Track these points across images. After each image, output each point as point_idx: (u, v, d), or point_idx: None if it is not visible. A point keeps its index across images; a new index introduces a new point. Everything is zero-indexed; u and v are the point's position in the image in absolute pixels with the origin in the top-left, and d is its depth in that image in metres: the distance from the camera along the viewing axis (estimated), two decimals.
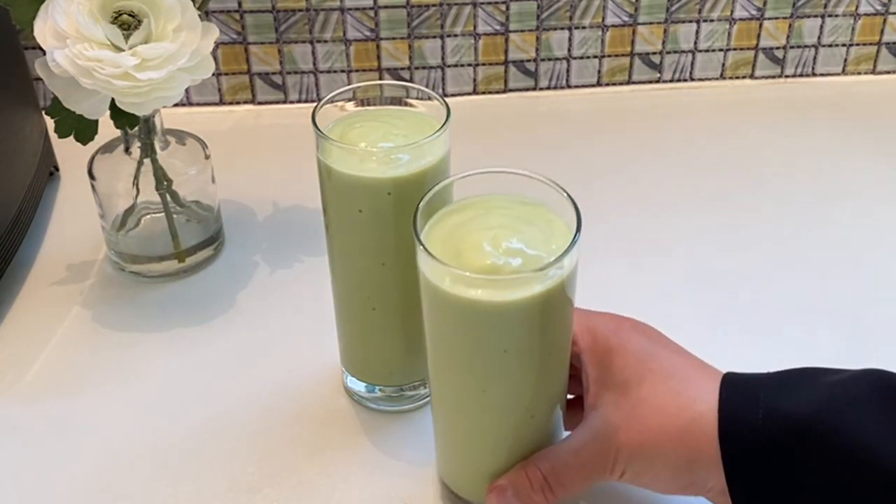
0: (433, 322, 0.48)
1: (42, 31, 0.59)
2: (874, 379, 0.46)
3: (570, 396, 0.54)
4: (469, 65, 0.93)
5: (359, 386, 0.62)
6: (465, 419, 0.51)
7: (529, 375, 0.48)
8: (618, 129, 0.91)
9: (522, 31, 0.92)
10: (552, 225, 0.48)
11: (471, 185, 0.50)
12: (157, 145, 0.70)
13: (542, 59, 0.94)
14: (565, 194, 0.48)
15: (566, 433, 0.53)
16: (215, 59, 0.81)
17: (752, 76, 0.97)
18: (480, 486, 0.52)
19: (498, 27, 0.91)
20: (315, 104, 0.54)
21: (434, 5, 0.89)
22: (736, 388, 0.48)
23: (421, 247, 0.45)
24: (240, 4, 0.88)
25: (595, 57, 0.94)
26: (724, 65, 0.96)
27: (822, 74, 0.97)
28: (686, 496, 0.49)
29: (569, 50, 0.93)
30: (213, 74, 0.77)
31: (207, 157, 0.72)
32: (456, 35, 0.91)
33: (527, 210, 0.49)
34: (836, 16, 0.94)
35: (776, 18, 0.93)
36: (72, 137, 0.65)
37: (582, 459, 0.49)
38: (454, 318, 0.47)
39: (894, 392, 0.45)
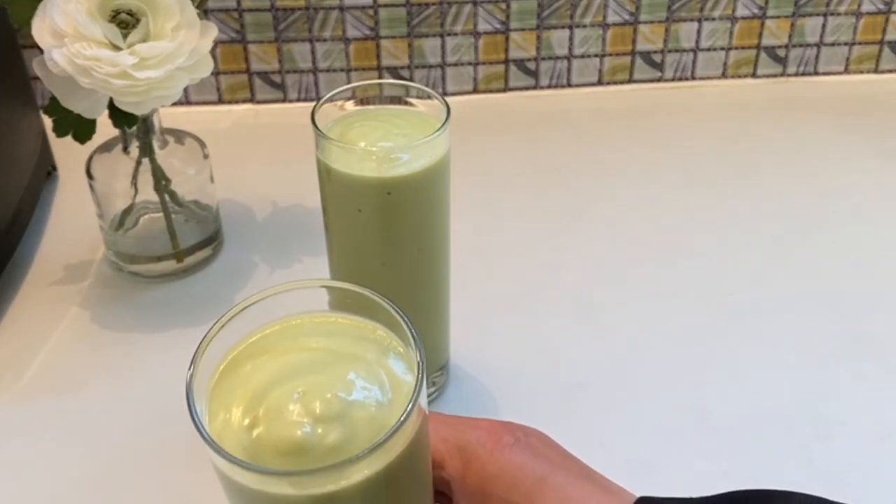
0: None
1: (40, 29, 0.59)
2: None
3: None
4: (469, 64, 0.93)
5: None
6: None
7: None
8: (619, 129, 0.91)
9: (523, 29, 0.91)
10: (383, 358, 0.35)
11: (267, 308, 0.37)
12: (156, 145, 0.69)
13: (543, 58, 0.93)
14: (407, 326, 0.35)
15: None
16: (214, 57, 0.81)
17: (753, 75, 0.97)
18: None
19: (498, 26, 0.91)
20: (314, 103, 0.54)
21: (434, 4, 0.89)
22: None
23: (193, 419, 0.33)
24: (239, 3, 0.88)
25: (596, 56, 0.94)
26: (725, 64, 0.96)
27: (824, 73, 0.97)
28: None
29: (570, 49, 0.93)
30: (212, 73, 0.77)
31: (206, 156, 0.72)
32: (456, 34, 0.91)
33: (346, 341, 0.36)
34: (839, 14, 0.94)
35: (778, 17, 0.93)
36: (70, 137, 0.65)
37: None
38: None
39: None
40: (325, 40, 0.90)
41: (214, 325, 0.34)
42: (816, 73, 0.97)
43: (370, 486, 0.32)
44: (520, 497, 0.39)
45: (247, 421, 0.33)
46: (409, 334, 0.34)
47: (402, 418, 0.32)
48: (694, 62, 0.95)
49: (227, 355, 0.36)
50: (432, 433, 0.40)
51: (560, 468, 0.40)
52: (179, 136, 0.72)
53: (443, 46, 0.92)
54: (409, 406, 0.32)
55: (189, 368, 0.33)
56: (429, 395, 0.61)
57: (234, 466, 0.32)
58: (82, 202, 0.74)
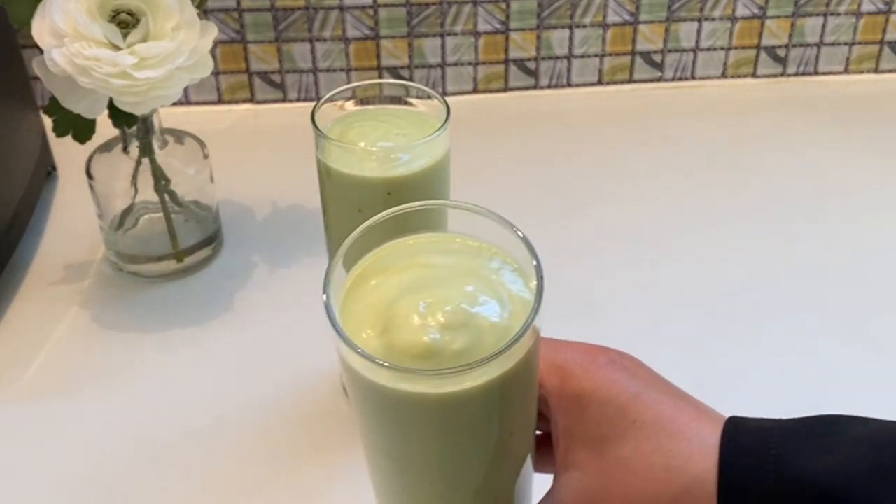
0: (363, 413, 0.39)
1: (40, 29, 0.59)
2: None
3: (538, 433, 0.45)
4: (469, 64, 0.93)
5: None
6: None
7: (487, 463, 0.39)
8: (619, 129, 0.91)
9: (523, 29, 0.91)
10: (500, 275, 0.38)
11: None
12: (156, 145, 0.69)
13: (543, 58, 0.93)
14: (523, 239, 0.37)
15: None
16: (214, 57, 0.81)
17: (753, 75, 0.97)
18: None
19: (498, 26, 0.91)
20: (314, 103, 0.54)
21: (434, 4, 0.89)
22: (741, 444, 0.38)
23: (333, 327, 0.36)
24: (238, 3, 0.88)
25: (596, 56, 0.94)
26: (725, 63, 0.96)
27: (824, 73, 0.97)
28: None
29: (569, 49, 0.93)
30: (212, 73, 0.77)
31: (206, 156, 0.72)
32: (456, 34, 0.91)
33: (464, 258, 0.38)
34: (839, 14, 0.94)
35: (778, 17, 0.93)
36: (70, 137, 0.65)
37: None
38: (389, 412, 0.37)
39: None
40: (325, 40, 0.90)
41: (341, 245, 0.38)
42: (816, 73, 0.97)
43: (488, 390, 0.35)
44: (614, 412, 0.40)
45: (377, 330, 0.36)
46: (529, 252, 0.37)
47: (523, 327, 0.34)
48: (694, 62, 0.95)
49: (351, 273, 0.38)
50: None
51: (653, 387, 0.41)
52: (179, 135, 0.72)
53: (443, 46, 0.92)
54: (531, 316, 0.35)
55: (323, 288, 0.36)
56: None
57: (373, 366, 0.34)
58: (82, 202, 0.74)
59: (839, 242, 0.76)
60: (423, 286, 0.37)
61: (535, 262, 0.36)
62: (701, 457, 0.38)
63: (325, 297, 0.36)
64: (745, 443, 0.38)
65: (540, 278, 0.36)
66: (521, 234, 0.37)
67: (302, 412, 0.61)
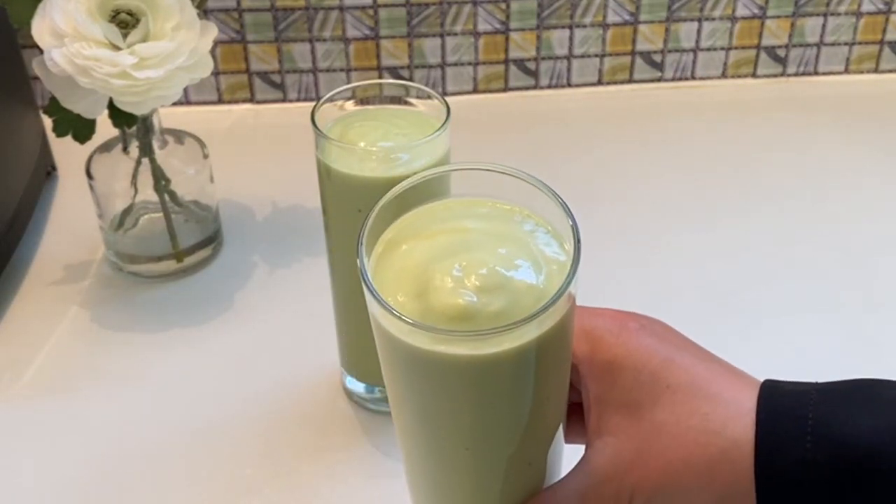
0: (397, 379, 0.38)
1: (40, 29, 0.59)
2: None
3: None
4: (469, 64, 0.93)
5: (358, 387, 0.61)
6: (448, 481, 0.42)
7: (522, 428, 0.39)
8: (619, 129, 0.91)
9: (523, 29, 0.91)
10: (534, 237, 0.38)
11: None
12: (156, 145, 0.69)
13: (543, 58, 0.93)
14: (558, 200, 0.38)
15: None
16: (214, 57, 0.81)
17: (753, 75, 0.97)
18: None
19: (498, 26, 0.91)
20: (314, 103, 0.54)
21: (434, 4, 0.89)
22: (778, 408, 0.38)
23: (369, 291, 0.35)
24: (238, 3, 0.88)
25: (596, 56, 0.94)
26: (725, 64, 0.96)
27: (824, 73, 0.97)
28: None
29: (569, 49, 0.93)
30: (212, 73, 0.77)
31: (206, 156, 0.72)
32: (456, 34, 0.91)
33: (496, 222, 0.39)
34: (839, 14, 0.94)
35: (778, 17, 0.93)
36: (69, 137, 0.65)
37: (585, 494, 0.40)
38: (425, 376, 0.37)
39: None
40: (324, 40, 0.90)
41: (373, 208, 0.38)
42: (816, 73, 0.97)
43: (525, 353, 0.35)
44: (647, 377, 0.40)
45: (411, 294, 0.36)
46: (565, 213, 0.37)
47: (561, 289, 0.35)
48: (694, 62, 0.95)
49: (382, 239, 0.38)
50: None
51: (685, 350, 0.41)
52: (179, 136, 0.72)
53: (443, 46, 0.92)
54: (569, 277, 0.35)
55: (358, 253, 0.36)
56: None
57: (410, 329, 0.35)
58: (82, 202, 0.74)
59: (839, 242, 0.76)
60: (457, 250, 0.37)
61: (571, 223, 0.36)
62: (738, 420, 0.38)
63: (359, 261, 0.36)
64: (782, 407, 0.38)
65: (577, 240, 0.36)
66: (556, 196, 0.37)
67: (302, 412, 0.61)
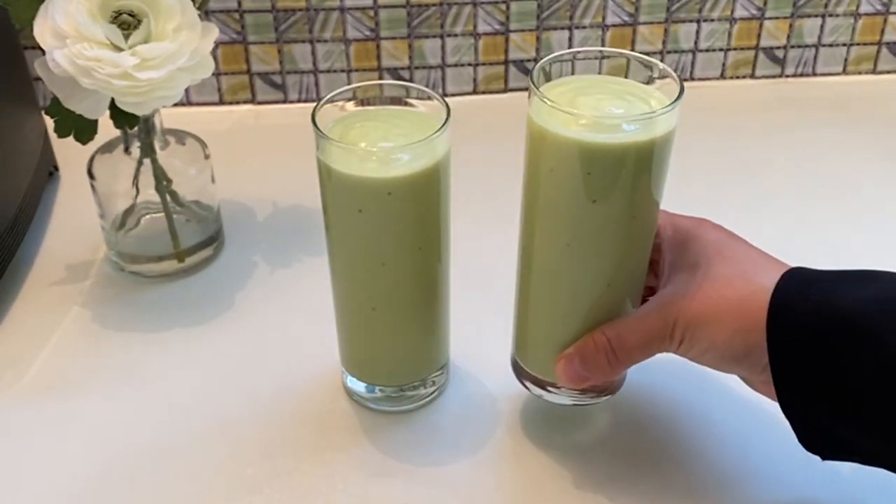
0: (534, 170, 0.52)
1: (41, 30, 0.59)
2: None
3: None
4: (469, 64, 0.93)
5: (359, 386, 0.62)
6: (547, 279, 0.54)
7: (613, 231, 0.51)
8: None
9: (523, 30, 0.92)
10: (651, 96, 0.51)
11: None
12: (157, 145, 0.70)
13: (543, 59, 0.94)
14: (667, 71, 0.52)
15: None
16: (215, 58, 0.81)
17: (752, 76, 0.97)
18: (551, 361, 0.55)
19: (498, 27, 0.91)
20: (315, 104, 0.54)
21: (434, 5, 0.89)
22: (794, 277, 0.49)
23: (537, 92, 0.49)
24: (239, 4, 0.88)
25: (595, 57, 0.94)
26: (724, 64, 0.96)
27: (822, 74, 0.97)
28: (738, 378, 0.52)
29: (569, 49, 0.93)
30: (213, 74, 0.77)
31: (207, 156, 0.72)
32: (456, 35, 0.91)
33: (623, 86, 0.53)
34: (837, 15, 0.94)
35: (777, 18, 0.93)
36: (71, 137, 0.65)
37: (645, 326, 0.51)
38: (555, 160, 0.49)
39: None
40: (325, 41, 0.90)
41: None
42: (815, 74, 0.97)
43: (631, 150, 0.48)
44: (712, 248, 0.52)
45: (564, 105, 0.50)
46: (672, 77, 0.52)
47: (672, 103, 0.48)
48: (693, 63, 0.95)
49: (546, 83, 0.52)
50: None
51: (742, 242, 0.53)
52: (180, 136, 0.72)
53: (443, 47, 0.92)
54: (673, 103, 0.49)
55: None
56: (429, 395, 0.62)
57: (555, 111, 0.49)
58: (84, 202, 0.74)
59: (838, 242, 0.76)
60: (597, 94, 0.52)
61: (671, 73, 0.52)
62: (767, 279, 0.49)
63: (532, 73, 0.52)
64: (802, 273, 0.49)
65: (681, 84, 0.50)
66: (662, 65, 0.53)
67: (302, 412, 0.61)
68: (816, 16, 0.94)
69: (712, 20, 0.93)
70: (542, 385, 0.58)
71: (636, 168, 0.49)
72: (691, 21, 0.93)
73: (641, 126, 0.48)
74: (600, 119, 0.49)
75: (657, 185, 0.51)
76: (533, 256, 0.54)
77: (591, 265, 0.52)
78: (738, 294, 0.49)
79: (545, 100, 0.49)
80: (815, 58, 0.96)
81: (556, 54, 0.54)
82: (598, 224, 0.50)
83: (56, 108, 0.63)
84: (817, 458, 0.49)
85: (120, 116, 0.63)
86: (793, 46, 0.95)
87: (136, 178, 0.70)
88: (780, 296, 0.47)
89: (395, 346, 0.59)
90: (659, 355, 0.52)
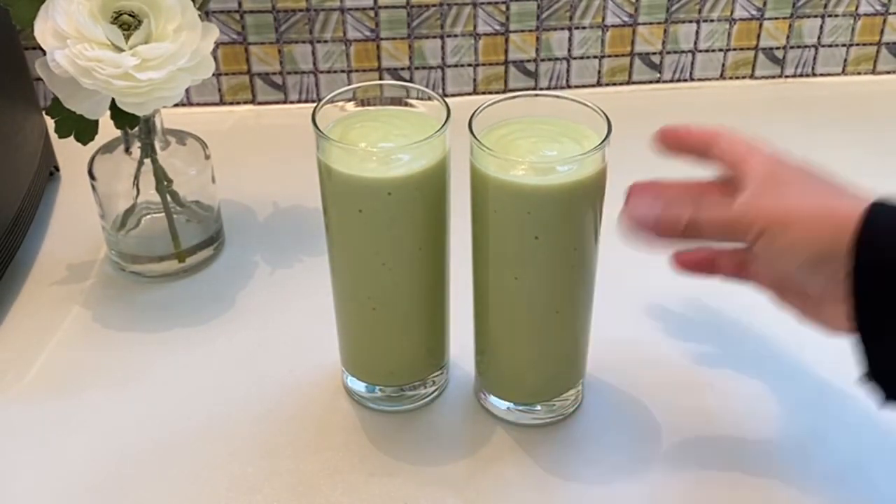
0: (479, 210, 0.54)
1: (42, 31, 0.59)
2: None
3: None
4: (469, 65, 0.93)
5: (359, 386, 0.62)
6: (498, 310, 0.56)
7: (558, 264, 0.53)
8: (617, 130, 0.90)
9: (522, 31, 0.92)
10: (584, 136, 0.54)
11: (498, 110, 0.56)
12: (158, 145, 0.70)
13: (542, 60, 0.94)
14: (596, 109, 0.56)
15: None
16: (215, 59, 0.81)
17: (752, 76, 0.97)
18: (515, 383, 0.59)
19: (498, 27, 0.91)
20: (315, 104, 0.54)
21: (434, 5, 0.89)
22: (885, 204, 0.49)
23: (476, 142, 0.52)
24: (240, 4, 0.88)
25: (595, 57, 0.94)
26: (724, 65, 0.96)
27: (822, 74, 0.97)
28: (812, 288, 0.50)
29: (569, 50, 0.93)
30: (214, 74, 0.77)
31: (207, 157, 0.72)
32: (456, 35, 0.91)
33: (560, 128, 0.55)
34: (836, 16, 0.94)
35: (776, 18, 0.94)
36: (72, 137, 0.65)
37: (728, 210, 0.49)
38: (498, 202, 0.52)
39: None
40: (325, 42, 0.91)
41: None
42: (814, 75, 0.97)
43: (564, 191, 0.52)
44: (801, 172, 0.52)
45: (501, 150, 0.53)
46: (602, 117, 0.56)
47: (599, 145, 0.54)
48: (692, 63, 0.96)
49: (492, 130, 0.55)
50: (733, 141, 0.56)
51: (831, 178, 0.53)
52: (181, 136, 0.73)
53: (443, 48, 0.92)
54: (601, 143, 0.54)
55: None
56: (429, 395, 0.62)
57: (491, 157, 0.52)
58: (84, 203, 0.74)
59: None
60: (534, 137, 0.54)
61: (602, 115, 0.56)
62: (855, 199, 0.49)
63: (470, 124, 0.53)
64: (890, 205, 0.48)
65: (608, 123, 0.55)
66: (597, 109, 0.56)
67: (303, 411, 0.62)
68: (816, 16, 0.94)
69: (712, 20, 0.93)
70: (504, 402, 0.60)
71: (573, 205, 0.52)
72: (691, 21, 0.93)
73: (575, 165, 0.51)
74: (535, 164, 0.51)
75: (595, 219, 0.54)
76: (488, 289, 0.56)
77: (539, 296, 0.55)
78: (821, 206, 0.48)
79: (483, 148, 0.51)
80: (815, 58, 0.96)
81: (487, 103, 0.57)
82: (543, 258, 0.53)
83: (57, 109, 0.63)
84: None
85: (120, 117, 0.64)
86: (792, 47, 0.95)
87: (136, 178, 0.70)
88: (872, 210, 0.47)
89: (395, 346, 0.59)
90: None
